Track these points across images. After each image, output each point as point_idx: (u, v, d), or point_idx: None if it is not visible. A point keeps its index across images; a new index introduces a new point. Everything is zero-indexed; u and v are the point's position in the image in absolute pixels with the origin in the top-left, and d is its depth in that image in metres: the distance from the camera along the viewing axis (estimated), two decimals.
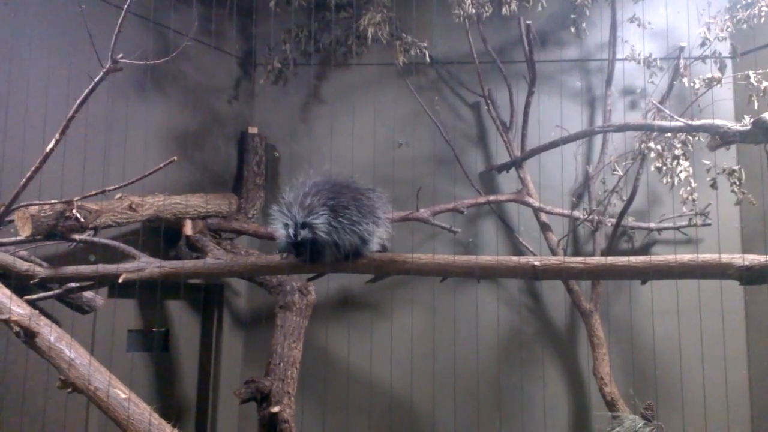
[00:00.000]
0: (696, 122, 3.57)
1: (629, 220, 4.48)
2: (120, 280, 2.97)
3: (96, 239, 3.29)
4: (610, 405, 4.19)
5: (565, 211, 4.55)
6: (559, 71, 4.95)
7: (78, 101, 3.06)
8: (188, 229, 4.22)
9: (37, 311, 2.65)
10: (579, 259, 2.91)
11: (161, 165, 3.19)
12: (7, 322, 2.55)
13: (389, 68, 4.91)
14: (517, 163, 4.60)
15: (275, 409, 3.85)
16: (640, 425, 3.52)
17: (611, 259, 2.83)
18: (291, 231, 2.92)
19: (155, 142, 4.35)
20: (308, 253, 2.92)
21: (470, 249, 4.80)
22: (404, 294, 4.79)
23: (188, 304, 4.68)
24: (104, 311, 3.73)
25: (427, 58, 4.53)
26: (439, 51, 4.82)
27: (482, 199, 4.65)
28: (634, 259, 2.66)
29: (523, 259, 2.90)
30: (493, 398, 4.65)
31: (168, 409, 4.05)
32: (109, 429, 3.76)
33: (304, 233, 2.89)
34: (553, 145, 4.30)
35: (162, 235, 4.04)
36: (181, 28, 4.52)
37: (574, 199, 4.67)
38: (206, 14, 4.53)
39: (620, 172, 4.19)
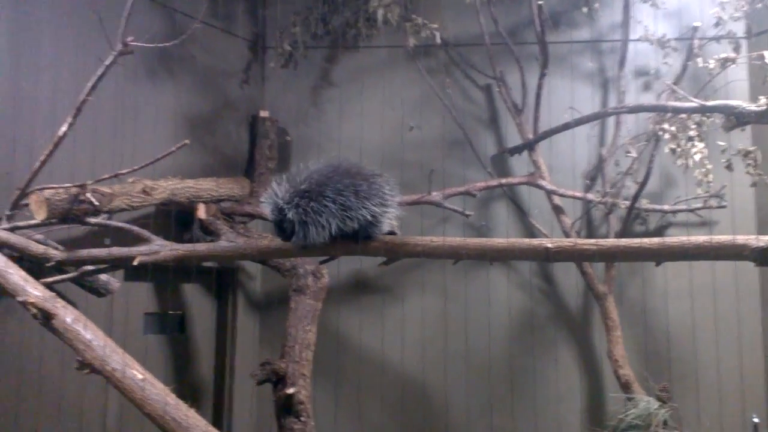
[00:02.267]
0: (711, 103, 3.54)
1: (643, 203, 4.45)
2: (135, 263, 2.99)
3: (110, 222, 3.31)
4: (625, 387, 4.20)
5: (579, 194, 4.52)
6: (572, 52, 4.91)
7: (89, 84, 3.08)
8: (201, 212, 4.24)
9: (53, 293, 2.68)
10: (592, 241, 2.90)
11: (173, 148, 3.20)
12: (24, 303, 2.58)
13: (399, 51, 4.88)
14: (529, 146, 4.58)
15: (291, 390, 3.89)
16: (655, 407, 3.52)
17: (625, 241, 2.81)
18: (271, 211, 2.98)
19: (166, 126, 4.37)
20: (283, 234, 2.98)
21: (482, 232, 4.79)
22: (416, 277, 4.80)
23: (203, 288, 4.71)
24: (121, 294, 3.77)
25: (438, 40, 4.49)
26: (450, 33, 4.79)
27: (494, 182, 4.64)
28: (648, 241, 2.64)
29: (535, 241, 2.89)
30: (506, 381, 4.66)
31: (185, 390, 4.11)
32: (125, 410, 3.82)
33: (281, 215, 2.94)
34: (566, 127, 4.28)
35: (175, 219, 4.06)
36: (190, 11, 4.52)
37: (587, 181, 4.64)
38: None
39: (634, 154, 4.16)
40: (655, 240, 2.73)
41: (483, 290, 4.64)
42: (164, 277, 4.21)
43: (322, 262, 4.01)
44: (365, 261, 4.68)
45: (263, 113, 4.93)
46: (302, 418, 4.01)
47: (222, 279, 4.77)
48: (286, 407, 3.99)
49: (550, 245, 2.84)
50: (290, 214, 2.91)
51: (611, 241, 2.79)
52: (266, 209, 3.05)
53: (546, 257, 2.87)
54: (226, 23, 4.79)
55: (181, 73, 4.48)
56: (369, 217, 2.94)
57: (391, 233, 3.09)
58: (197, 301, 4.66)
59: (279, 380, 4.03)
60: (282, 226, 2.96)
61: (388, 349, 4.70)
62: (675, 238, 2.68)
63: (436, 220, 4.80)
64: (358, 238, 3.02)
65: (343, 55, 5.08)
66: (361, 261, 4.71)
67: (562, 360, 4.67)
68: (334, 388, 4.72)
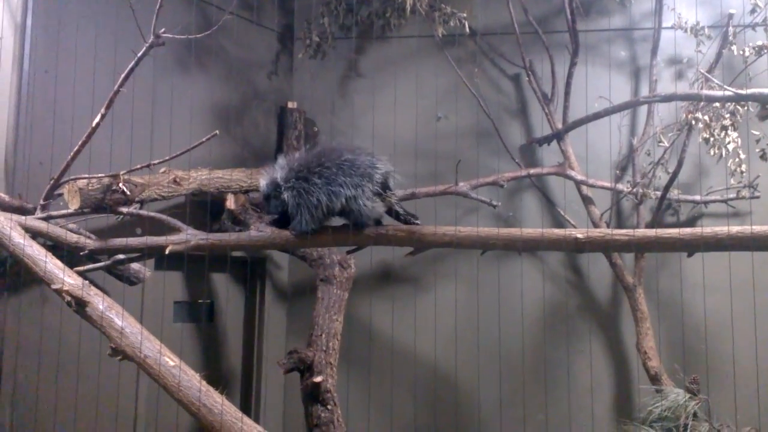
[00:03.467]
0: (745, 91, 3.46)
1: (675, 193, 4.39)
2: (166, 252, 3.03)
3: (142, 212, 3.36)
4: (654, 379, 4.15)
5: (609, 184, 4.47)
6: (603, 41, 4.84)
7: (122, 76, 3.12)
8: (231, 203, 4.28)
9: (87, 282, 2.73)
10: (623, 231, 2.87)
11: (204, 139, 3.24)
12: (59, 291, 2.63)
13: (428, 40, 4.86)
14: (559, 136, 4.53)
15: (318, 379, 3.92)
16: (685, 399, 3.48)
17: (658, 231, 2.78)
18: (266, 185, 3.10)
19: (198, 117, 4.40)
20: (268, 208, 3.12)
21: (510, 223, 4.76)
22: (446, 268, 4.79)
23: (232, 277, 4.77)
24: (151, 283, 3.83)
25: (467, 29, 4.46)
26: (479, 22, 4.75)
27: (523, 173, 4.60)
28: (681, 231, 2.61)
29: (566, 232, 2.87)
30: (537, 372, 4.64)
31: (214, 378, 4.15)
32: (156, 397, 3.89)
33: (276, 191, 3.05)
34: (597, 116, 4.22)
35: (207, 209, 4.11)
36: (221, 2, 4.55)
37: (617, 171, 4.59)
38: None
39: (666, 144, 4.10)
40: (689, 230, 2.69)
41: (513, 281, 4.62)
42: (194, 266, 4.26)
43: (349, 252, 4.02)
44: (394, 252, 4.71)
45: (291, 104, 4.95)
46: (329, 407, 4.04)
47: (252, 268, 4.82)
48: (313, 395, 4.03)
49: (580, 235, 2.83)
50: (285, 195, 2.96)
51: (644, 232, 2.76)
52: (262, 182, 3.10)
53: (576, 247, 2.86)
54: (256, 15, 4.81)
55: (212, 64, 4.52)
56: (351, 191, 2.96)
57: (395, 213, 3.10)
58: (226, 291, 4.72)
59: (306, 369, 4.07)
60: (270, 201, 3.05)
61: (417, 339, 4.70)
62: (710, 229, 2.64)
63: (465, 211, 4.78)
64: (349, 220, 3.05)
65: (370, 45, 5.07)
66: (390, 252, 4.73)
67: (592, 352, 4.63)
68: (363, 377, 4.75)
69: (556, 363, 4.65)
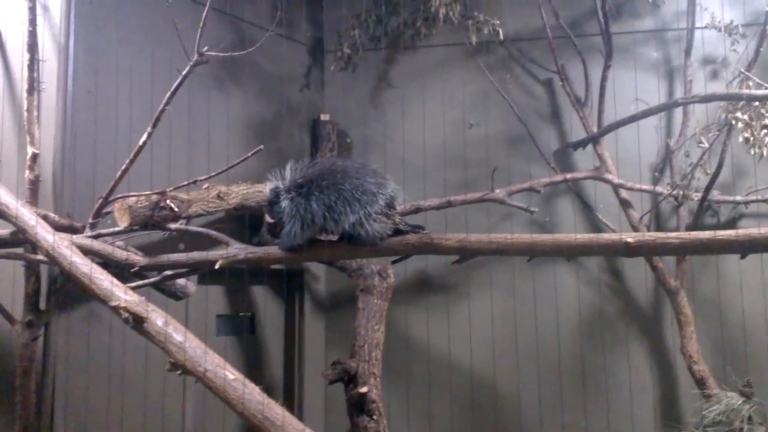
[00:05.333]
0: None
1: (714, 194, 4.35)
2: (216, 266, 3.06)
3: (190, 228, 3.40)
4: (700, 383, 4.11)
5: (647, 187, 4.44)
6: (635, 43, 4.82)
7: (168, 94, 3.16)
8: (269, 216, 4.31)
9: (144, 297, 2.76)
10: (675, 234, 2.85)
11: (249, 154, 3.27)
12: (116, 308, 2.67)
13: (457, 49, 4.88)
14: (594, 139, 4.52)
15: (363, 389, 3.91)
16: (738, 402, 3.43)
17: (709, 233, 2.74)
18: (270, 190, 3.11)
19: (233, 132, 4.45)
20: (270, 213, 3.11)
21: (547, 228, 4.75)
22: (482, 276, 4.78)
23: (271, 289, 4.79)
24: (195, 298, 3.86)
25: (501, 36, 4.47)
26: (509, 28, 4.76)
27: (559, 178, 4.59)
28: (738, 232, 2.58)
29: (616, 236, 2.86)
30: (577, 379, 4.61)
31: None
32: (198, 410, 3.92)
33: (277, 198, 3.05)
34: (634, 119, 4.21)
35: (247, 223, 4.15)
36: (254, 19, 4.61)
37: (655, 174, 4.56)
38: (277, 4, 4.60)
39: (706, 145, 4.07)
40: (742, 232, 2.66)
41: (550, 287, 4.59)
42: (235, 279, 4.30)
43: (394, 262, 4.03)
44: (430, 261, 4.72)
45: (324, 116, 4.98)
46: (374, 417, 4.03)
47: (290, 280, 4.84)
48: (359, 406, 4.02)
49: (630, 240, 2.81)
50: (284, 204, 2.97)
51: (696, 234, 2.73)
52: (268, 188, 3.14)
53: (626, 252, 2.84)
54: (287, 29, 4.86)
55: (247, 80, 4.57)
56: (354, 217, 2.95)
57: (399, 232, 3.08)
58: (266, 303, 4.74)
59: (350, 379, 4.06)
60: (272, 207, 3.06)
61: (456, 347, 4.70)
62: (765, 230, 2.61)
63: (500, 217, 4.78)
64: (355, 243, 3.03)
65: (401, 55, 5.10)
66: (427, 261, 4.74)
67: (633, 357, 4.60)
68: (404, 387, 4.74)
69: (598, 369, 4.62)
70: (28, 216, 3.01)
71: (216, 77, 4.39)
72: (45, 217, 3.19)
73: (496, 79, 4.78)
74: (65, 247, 2.87)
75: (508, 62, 4.94)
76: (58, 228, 3.22)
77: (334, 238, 3.12)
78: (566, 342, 4.63)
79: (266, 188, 3.19)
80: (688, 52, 4.56)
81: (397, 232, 3.12)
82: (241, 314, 4.59)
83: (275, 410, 2.37)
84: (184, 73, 3.14)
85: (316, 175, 3.04)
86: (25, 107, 3.40)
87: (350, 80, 5.03)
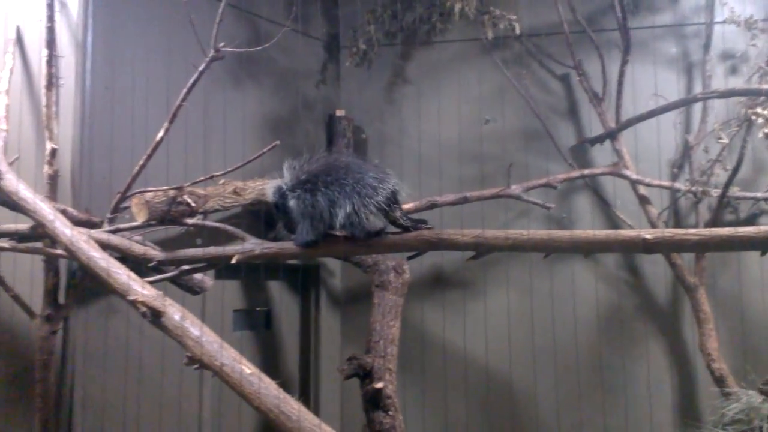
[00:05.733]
0: None
1: (734, 190, 4.30)
2: (232, 261, 3.06)
3: (207, 223, 3.41)
4: (719, 381, 4.07)
5: (666, 183, 4.40)
6: (654, 38, 4.77)
7: (185, 89, 3.18)
8: (275, 217, 4.31)
9: (161, 292, 2.77)
10: (694, 230, 2.82)
11: (265, 149, 3.27)
12: (134, 302, 2.68)
13: (473, 44, 4.86)
14: (612, 135, 4.48)
15: (379, 385, 3.91)
16: (758, 401, 3.39)
17: (729, 230, 2.70)
18: (272, 193, 3.11)
19: (249, 128, 4.47)
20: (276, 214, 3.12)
21: (564, 224, 4.72)
22: (498, 272, 4.76)
23: (287, 285, 4.81)
24: (212, 292, 3.87)
25: (517, 31, 4.45)
26: (526, 23, 4.73)
27: (576, 173, 4.56)
28: (760, 228, 2.55)
29: (634, 233, 2.83)
30: (594, 376, 4.58)
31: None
32: (215, 403, 3.94)
33: (283, 198, 3.06)
34: (651, 114, 4.18)
35: (263, 219, 4.15)
36: (270, 15, 4.61)
37: (674, 170, 4.51)
38: (293, 0, 4.60)
39: (726, 141, 4.02)
40: (762, 228, 2.62)
41: (568, 284, 4.57)
42: (251, 274, 4.31)
43: (409, 258, 4.02)
44: (447, 256, 4.70)
45: (339, 112, 4.98)
46: (390, 413, 4.03)
47: (306, 276, 4.86)
48: (374, 402, 4.02)
49: (648, 236, 2.77)
50: (291, 203, 2.97)
51: (716, 230, 2.70)
52: (269, 190, 3.13)
53: (645, 249, 2.80)
54: (303, 25, 4.86)
55: (262, 76, 4.58)
56: (351, 209, 2.94)
57: (380, 233, 3.06)
58: (282, 298, 4.76)
59: (366, 375, 4.07)
60: (278, 209, 3.06)
61: (472, 343, 4.69)
62: None
63: (517, 214, 4.76)
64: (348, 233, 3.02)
65: (416, 51, 5.09)
66: (442, 257, 4.73)
67: (651, 354, 4.56)
68: (419, 382, 4.74)
69: (616, 366, 4.59)
70: (46, 211, 3.04)
71: (232, 73, 4.40)
72: (64, 212, 3.21)
73: (512, 74, 4.76)
74: (83, 242, 2.88)
75: (524, 58, 4.91)
76: (77, 223, 3.24)
77: (341, 233, 3.13)
78: (583, 339, 4.60)
79: (268, 189, 3.20)
80: (707, 47, 4.52)
81: (396, 225, 3.11)
82: (258, 309, 4.61)
83: (291, 405, 2.37)
84: (200, 69, 3.15)
85: (320, 171, 3.04)
86: (44, 103, 3.42)
87: (366, 76, 5.02)
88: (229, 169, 3.31)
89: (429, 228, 3.12)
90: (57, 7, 3.52)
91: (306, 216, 2.99)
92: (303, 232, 3.03)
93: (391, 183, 3.07)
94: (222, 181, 3.68)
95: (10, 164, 3.32)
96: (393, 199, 3.06)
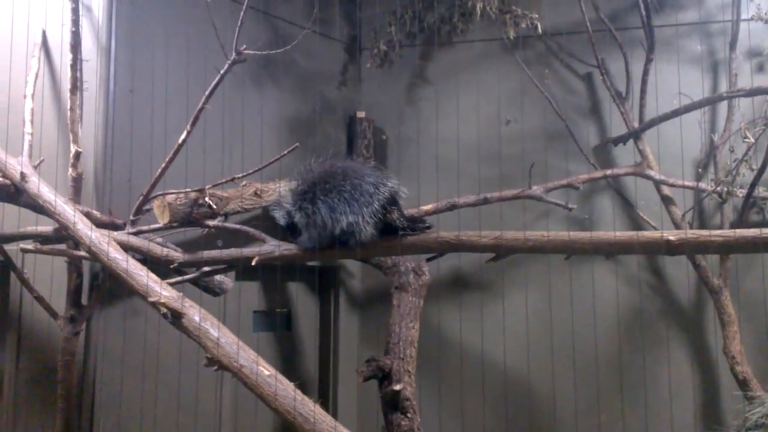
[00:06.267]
0: None
1: (760, 191, 4.21)
2: (253, 263, 3.09)
3: (228, 225, 3.44)
4: (743, 384, 4.00)
5: (690, 183, 4.33)
6: (678, 35, 4.70)
7: (206, 93, 3.20)
8: (291, 239, 4.33)
9: (181, 293, 2.80)
10: (719, 231, 2.77)
11: (285, 152, 3.29)
12: (155, 304, 2.71)
13: (493, 44, 4.83)
14: (635, 135, 4.42)
15: (398, 387, 3.90)
16: None
17: (758, 231, 2.66)
18: (281, 216, 3.22)
19: (269, 130, 4.49)
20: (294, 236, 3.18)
21: (585, 226, 4.66)
22: (518, 274, 4.73)
23: (306, 286, 4.82)
24: (232, 294, 3.90)
25: (539, 30, 4.41)
26: (548, 22, 4.69)
27: (598, 174, 4.51)
28: None
29: (657, 234, 2.79)
30: (615, 379, 4.52)
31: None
32: (233, 404, 3.96)
33: (291, 218, 3.14)
34: (676, 113, 4.12)
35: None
36: (290, 17, 4.63)
37: (699, 170, 4.44)
38: (313, 1, 4.61)
39: (752, 140, 3.95)
40: None
41: (589, 286, 4.51)
42: (271, 276, 4.33)
43: (428, 260, 4.02)
44: (466, 258, 4.68)
45: (360, 113, 4.99)
46: (409, 415, 4.01)
47: (325, 277, 4.87)
48: (393, 404, 4.01)
49: (672, 237, 2.74)
50: (297, 218, 3.03)
51: (741, 231, 2.65)
52: (277, 214, 3.18)
53: (668, 251, 2.77)
54: (324, 27, 4.87)
55: (283, 78, 4.60)
56: (352, 218, 2.95)
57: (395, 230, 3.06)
58: (301, 300, 4.77)
59: (384, 377, 4.06)
60: (293, 230, 3.13)
61: (491, 346, 4.66)
62: None
63: (537, 215, 4.71)
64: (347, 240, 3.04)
65: (437, 51, 5.07)
66: (461, 258, 4.71)
67: (674, 357, 4.49)
68: (438, 385, 4.72)
69: (637, 369, 4.53)
70: (70, 213, 3.08)
71: (253, 75, 4.43)
72: (87, 214, 3.26)
73: (533, 74, 4.71)
74: (105, 244, 2.92)
75: (546, 57, 4.87)
76: (100, 225, 3.28)
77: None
78: (604, 342, 4.54)
79: (277, 217, 3.25)
80: (733, 45, 4.43)
81: (393, 229, 3.09)
82: (277, 310, 4.62)
83: (308, 406, 2.38)
84: (222, 71, 3.17)
85: (318, 179, 3.07)
86: (68, 106, 3.47)
87: (386, 77, 5.01)
88: (250, 171, 3.33)
89: (428, 227, 3.11)
90: (82, 11, 3.57)
91: (311, 226, 3.02)
92: (311, 241, 3.05)
93: (389, 185, 3.06)
94: (243, 183, 3.71)
95: (35, 167, 3.38)
96: (391, 201, 3.06)
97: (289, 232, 3.19)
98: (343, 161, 3.22)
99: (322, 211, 2.99)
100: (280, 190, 3.19)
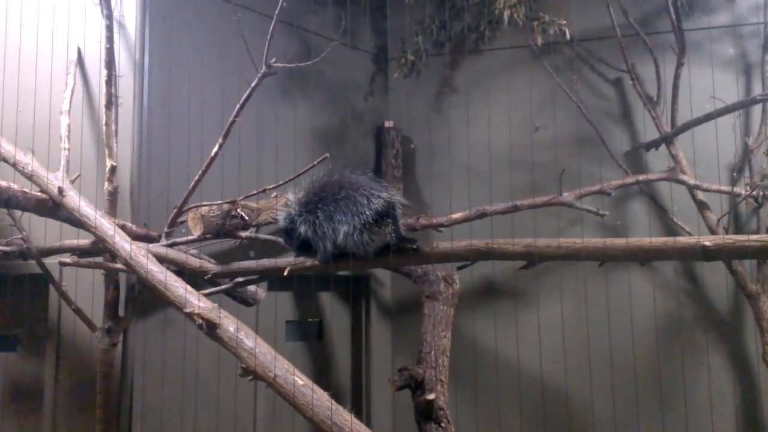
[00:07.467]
0: None
1: None
2: (285, 273, 3.11)
3: (259, 235, 3.47)
4: None
5: (725, 188, 4.26)
6: (710, 39, 4.64)
7: (238, 105, 3.24)
8: (287, 244, 4.34)
9: (216, 304, 2.83)
10: (757, 236, 2.72)
11: (315, 162, 3.31)
12: (190, 315, 2.75)
13: (521, 51, 4.81)
14: (667, 139, 4.37)
15: (431, 396, 3.89)
16: None
17: None
18: (283, 219, 3.22)
19: (299, 141, 4.53)
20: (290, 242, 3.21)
21: (618, 232, 4.61)
22: (551, 281, 4.69)
23: (338, 296, 4.85)
24: (265, 304, 3.94)
25: (567, 36, 4.39)
26: (576, 27, 4.66)
27: (631, 179, 4.46)
28: None
29: (692, 239, 2.75)
30: (653, 388, 4.45)
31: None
32: (269, 413, 3.98)
33: (293, 224, 3.15)
34: (709, 117, 4.06)
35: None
36: (317, 29, 4.68)
37: (734, 174, 4.37)
38: (341, 13, 4.66)
39: None
40: None
41: (624, 293, 4.46)
42: (303, 286, 4.36)
43: (459, 268, 4.01)
44: (497, 266, 4.66)
45: (388, 123, 5.01)
46: (443, 424, 4.00)
47: (356, 286, 4.88)
48: (427, 413, 4.00)
49: (708, 243, 2.70)
50: (302, 229, 3.04)
51: None
52: (280, 216, 3.21)
53: (704, 256, 2.73)
54: (352, 38, 4.92)
55: (312, 89, 4.64)
56: (347, 228, 2.97)
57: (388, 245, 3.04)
58: (333, 309, 4.80)
59: (417, 386, 4.05)
60: (291, 235, 3.14)
61: (525, 354, 4.62)
62: None
63: (569, 221, 4.68)
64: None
65: (465, 60, 5.07)
66: (493, 266, 4.69)
67: (713, 365, 4.41)
68: (472, 394, 4.70)
69: (674, 377, 4.45)
70: (107, 226, 3.14)
71: (283, 88, 4.48)
72: (123, 227, 3.32)
73: (563, 80, 4.68)
74: (142, 256, 2.97)
75: (575, 63, 4.84)
76: (136, 237, 3.34)
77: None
78: (641, 350, 4.47)
79: (279, 218, 3.27)
80: (766, 47, 4.37)
81: (386, 245, 3.07)
82: (310, 320, 4.65)
83: (344, 416, 2.39)
84: (253, 84, 3.21)
85: (318, 189, 3.11)
86: (104, 121, 3.55)
87: (414, 86, 5.03)
88: (281, 182, 3.36)
89: (414, 248, 3.07)
90: (116, 28, 3.66)
91: (318, 237, 3.05)
92: (323, 252, 3.08)
93: (383, 196, 3.05)
94: (274, 194, 3.74)
95: (72, 182, 3.45)
96: (386, 213, 3.03)
97: (285, 235, 3.22)
98: (341, 173, 3.22)
99: (323, 220, 3.03)
100: (288, 198, 3.22)
